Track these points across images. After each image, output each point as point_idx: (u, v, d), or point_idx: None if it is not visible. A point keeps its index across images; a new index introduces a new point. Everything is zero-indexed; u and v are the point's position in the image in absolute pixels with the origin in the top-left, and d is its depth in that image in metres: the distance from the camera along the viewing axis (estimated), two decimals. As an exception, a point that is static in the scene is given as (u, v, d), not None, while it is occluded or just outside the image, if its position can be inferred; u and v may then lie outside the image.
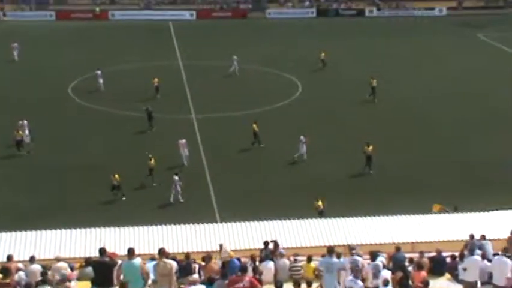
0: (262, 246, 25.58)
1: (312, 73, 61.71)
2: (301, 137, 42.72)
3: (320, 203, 35.45)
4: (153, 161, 39.34)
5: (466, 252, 21.43)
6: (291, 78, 60.05)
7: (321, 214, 34.78)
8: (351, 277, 18.51)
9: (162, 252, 18.95)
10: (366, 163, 40.86)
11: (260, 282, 18.46)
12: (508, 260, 19.57)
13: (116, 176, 37.86)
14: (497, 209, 31.27)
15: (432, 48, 71.61)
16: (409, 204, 34.44)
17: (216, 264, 22.33)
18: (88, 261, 22.31)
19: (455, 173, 41.23)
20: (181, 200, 37.51)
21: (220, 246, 25.36)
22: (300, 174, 40.90)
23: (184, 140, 42.53)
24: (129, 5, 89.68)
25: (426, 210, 32.65)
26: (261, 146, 44.82)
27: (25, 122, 44.03)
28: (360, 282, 18.31)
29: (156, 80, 53.80)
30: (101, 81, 55.62)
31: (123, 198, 37.79)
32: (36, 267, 22.09)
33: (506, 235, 23.82)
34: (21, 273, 21.34)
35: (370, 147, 40.60)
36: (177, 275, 20.23)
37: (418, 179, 40.27)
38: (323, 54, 63.19)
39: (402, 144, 44.88)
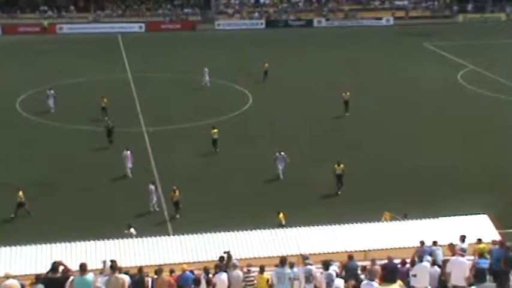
0: (215, 258, 25.54)
1: (261, 84, 61.92)
2: (277, 154, 41.48)
3: (282, 215, 35.43)
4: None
5: (416, 260, 21.73)
6: (242, 90, 60.21)
7: (282, 226, 34.68)
8: (366, 280, 18.65)
9: (114, 267, 18.78)
10: (337, 182, 39.84)
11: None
12: (465, 260, 19.94)
13: (20, 193, 36.88)
14: (446, 215, 31.70)
15: (379, 57, 72.68)
16: (360, 213, 34.74)
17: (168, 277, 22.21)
18: (39, 278, 21.97)
19: (405, 181, 41.68)
20: (157, 209, 37.46)
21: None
22: (253, 184, 40.89)
23: (128, 152, 42.36)
24: (77, 18, 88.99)
25: (377, 218, 32.96)
26: (216, 151, 45.41)
27: None
28: (375, 284, 18.48)
29: (105, 100, 51.79)
30: (51, 102, 53.16)
31: (31, 213, 36.71)
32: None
33: (456, 241, 24.16)
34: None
35: (341, 166, 39.60)
36: (130, 289, 20.06)
37: (368, 187, 40.60)
38: (266, 65, 63.33)
39: (351, 153, 45.22)
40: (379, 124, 51.50)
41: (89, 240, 29.81)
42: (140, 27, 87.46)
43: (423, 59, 73.10)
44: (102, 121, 49.47)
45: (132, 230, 33.80)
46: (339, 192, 39.75)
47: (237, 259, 25.41)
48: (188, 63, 68.61)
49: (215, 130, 45.91)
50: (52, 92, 53.51)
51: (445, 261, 22.00)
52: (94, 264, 26.30)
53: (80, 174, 42.19)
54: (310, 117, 52.66)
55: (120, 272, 19.18)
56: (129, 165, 41.97)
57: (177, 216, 36.74)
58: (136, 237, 32.88)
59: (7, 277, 21.99)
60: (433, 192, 39.71)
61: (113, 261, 19.35)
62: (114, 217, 36.52)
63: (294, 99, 57.34)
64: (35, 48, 76.21)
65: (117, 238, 29.85)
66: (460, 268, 20.06)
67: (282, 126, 50.81)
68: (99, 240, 29.68)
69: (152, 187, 37.65)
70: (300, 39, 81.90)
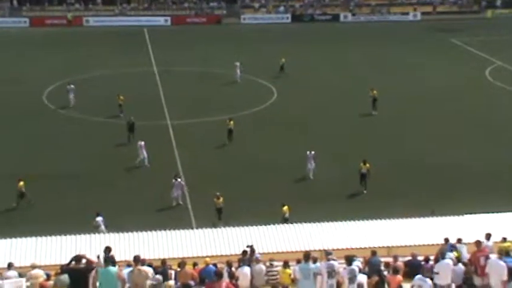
0: (238, 252, 25.60)
1: (286, 79, 61.78)
2: (308, 152, 41.09)
3: (286, 208, 35.50)
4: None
5: (439, 257, 21.61)
6: (266, 84, 60.16)
7: (286, 221, 34.59)
8: (419, 275, 18.62)
9: (137, 259, 18.90)
10: (361, 181, 39.52)
11: (236, 287, 18.46)
12: (503, 263, 19.75)
13: (21, 183, 37.14)
14: (472, 213, 31.49)
15: (406, 53, 72.21)
16: (384, 209, 34.63)
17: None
18: (64, 269, 22.16)
19: (431, 178, 41.37)
20: (180, 203, 37.45)
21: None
22: (277, 180, 40.84)
23: (143, 142, 42.74)
24: (103, 11, 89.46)
25: (402, 214, 32.76)
26: (227, 143, 45.70)
27: None
28: (428, 281, 18.46)
29: (121, 97, 51.29)
30: (71, 96, 53.18)
31: (32, 202, 37.08)
32: (13, 274, 22.00)
33: (482, 238, 23.98)
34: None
35: (367, 165, 39.17)
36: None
37: (394, 184, 40.38)
38: (283, 60, 62.95)
39: (377, 150, 45.03)
40: (406, 121, 51.03)
41: (112, 233, 30.09)
42: (166, 20, 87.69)
43: (450, 55, 72.48)
44: (120, 118, 49.53)
45: (99, 218, 33.91)
46: (365, 191, 39.43)
47: (260, 253, 25.45)
48: (213, 57, 68.64)
49: (231, 122, 46.27)
50: (72, 86, 53.55)
51: (471, 259, 21.86)
52: (117, 256, 26.46)
53: (103, 167, 42.44)
54: (336, 113, 52.34)
55: (143, 264, 19.30)
56: (144, 155, 42.35)
57: (220, 224, 34.35)
58: (106, 227, 33.47)
59: (33, 267, 22.30)
60: (458, 189, 39.38)
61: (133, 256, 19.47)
62: (137, 209, 36.69)
63: (319, 95, 57.09)
64: (62, 40, 76.75)
65: (141, 231, 30.03)
66: (499, 271, 19.86)
67: (306, 122, 50.58)
68: (122, 232, 29.92)
69: (176, 181, 37.60)
70: (326, 34, 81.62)
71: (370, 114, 52.20)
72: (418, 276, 18.70)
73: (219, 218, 35.65)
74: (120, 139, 46.10)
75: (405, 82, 61.22)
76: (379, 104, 52.27)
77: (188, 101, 55.20)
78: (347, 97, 56.27)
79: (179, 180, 37.65)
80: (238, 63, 60.88)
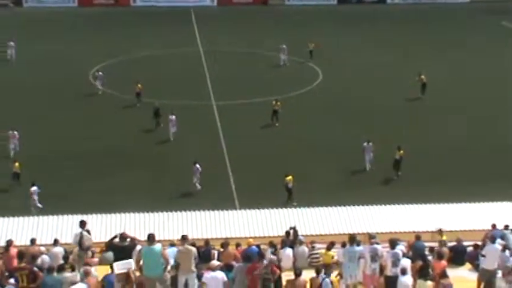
0: (281, 234, 25.68)
1: (332, 61, 61.33)
2: (365, 144, 40.08)
3: (289, 178, 35.45)
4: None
5: (487, 241, 21.35)
6: (312, 66, 59.87)
7: (289, 191, 35.21)
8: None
9: (185, 239, 19.05)
10: (394, 167, 39.01)
11: (279, 268, 18.51)
12: None
13: (17, 164, 37.25)
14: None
15: (455, 36, 71.03)
16: (429, 193, 34.34)
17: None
18: (109, 246, 22.46)
19: (478, 163, 40.79)
20: (199, 186, 37.07)
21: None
22: (319, 162, 40.70)
23: (174, 116, 43.03)
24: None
25: (447, 199, 32.43)
26: (276, 124, 45.58)
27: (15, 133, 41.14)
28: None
29: (139, 85, 50.00)
30: (100, 83, 52.55)
31: (22, 186, 36.67)
32: (59, 250, 22.36)
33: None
34: (45, 257, 21.58)
35: (401, 152, 38.75)
36: (197, 261, 20.32)
37: (440, 169, 39.95)
38: (312, 45, 62.05)
39: (424, 133, 44.59)
40: (454, 106, 50.21)
41: (158, 212, 30.39)
42: (212, 1, 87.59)
43: (501, 38, 70.91)
44: (137, 107, 49.12)
45: (34, 188, 34.30)
46: (398, 175, 38.87)
47: (303, 235, 25.51)
48: (259, 38, 68.43)
49: (278, 103, 46.30)
50: (100, 73, 53.28)
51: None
52: (162, 235, 26.78)
53: (143, 147, 42.77)
54: (382, 97, 51.69)
55: (188, 244, 19.43)
56: (173, 129, 42.85)
57: (294, 204, 34.71)
58: (38, 198, 33.97)
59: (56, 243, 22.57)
60: (506, 175, 38.74)
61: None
62: (181, 190, 36.91)
63: (366, 77, 56.56)
64: (109, 20, 77.18)
65: (185, 211, 30.29)
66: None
67: (350, 106, 50.13)
68: (167, 212, 30.21)
69: (197, 166, 37.00)
70: (373, 16, 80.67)
71: (417, 99, 51.57)
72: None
73: (288, 197, 35.59)
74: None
75: (453, 66, 60.24)
76: (428, 88, 51.51)
77: (233, 82, 55.20)
78: (395, 80, 55.54)
79: (197, 165, 37.01)
80: (284, 46, 60.62)
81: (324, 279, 18.47)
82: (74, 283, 17.47)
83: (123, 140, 43.70)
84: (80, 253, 21.10)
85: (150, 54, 62.62)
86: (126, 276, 17.66)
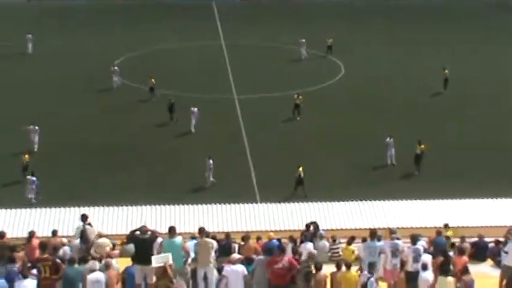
0: (301, 227, 25.67)
1: (355, 55, 61.11)
2: (387, 139, 39.66)
3: (301, 169, 35.56)
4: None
5: (510, 237, 21.16)
6: (334, 60, 59.71)
7: (299, 182, 35.24)
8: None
9: (202, 231, 19.08)
10: (415, 162, 38.69)
11: (299, 262, 18.47)
12: None
13: (26, 156, 37.22)
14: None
15: (480, 31, 70.46)
16: (451, 189, 34.15)
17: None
18: (129, 238, 22.57)
19: (502, 159, 40.45)
20: (213, 180, 36.69)
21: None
22: (339, 156, 40.56)
23: (196, 109, 43.19)
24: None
25: (469, 195, 32.26)
26: (297, 119, 45.64)
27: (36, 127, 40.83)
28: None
29: (152, 80, 49.78)
30: (115, 79, 51.97)
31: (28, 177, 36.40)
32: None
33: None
34: (66, 248, 21.73)
35: (422, 146, 38.48)
36: (217, 254, 20.36)
37: (459, 164, 39.69)
38: (331, 40, 61.63)
39: (445, 129, 44.32)
40: (474, 102, 49.79)
41: (178, 205, 30.51)
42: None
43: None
44: (150, 102, 48.96)
45: (32, 178, 34.51)
46: (417, 173, 38.60)
47: (323, 230, 25.48)
48: (281, 32, 68.31)
49: (299, 97, 46.30)
50: (116, 68, 52.96)
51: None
52: (183, 227, 26.91)
53: (162, 140, 42.74)
54: (405, 92, 51.39)
55: (207, 237, 19.46)
56: (194, 121, 43.02)
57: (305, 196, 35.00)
58: (35, 188, 34.33)
59: (99, 236, 22.72)
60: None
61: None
62: (202, 183, 36.95)
63: (389, 72, 56.21)
64: (129, 13, 77.22)
65: (207, 203, 30.39)
66: None
67: (372, 101, 49.83)
68: (187, 205, 30.33)
69: (210, 162, 36.71)
70: (393, 11, 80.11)
71: (439, 93, 51.27)
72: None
73: (297, 188, 35.64)
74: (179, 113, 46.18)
75: (476, 62, 59.74)
76: (450, 83, 51.17)
77: (255, 75, 55.21)
78: (417, 75, 55.15)
79: (210, 161, 36.71)
80: (303, 40, 60.53)
81: (369, 278, 18.00)
82: (93, 271, 17.67)
83: (144, 133, 43.74)
84: (81, 246, 21.20)
85: (171, 48, 62.71)
86: (162, 270, 17.75)
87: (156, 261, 17.84)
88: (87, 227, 21.78)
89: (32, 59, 59.57)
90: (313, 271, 18.28)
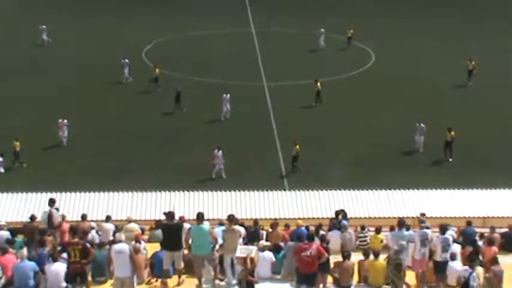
0: (330, 215, 25.63)
1: (384, 43, 60.66)
2: (418, 124, 39.43)
3: (298, 147, 36.32)
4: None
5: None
6: (364, 48, 59.35)
7: (295, 159, 36.34)
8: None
9: (232, 219, 19.14)
10: (445, 149, 38.50)
11: (327, 250, 18.46)
12: None
13: (17, 143, 36.88)
14: None
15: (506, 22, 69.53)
16: (480, 178, 33.84)
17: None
18: (158, 224, 22.73)
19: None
20: (224, 176, 36.23)
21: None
22: (369, 144, 40.35)
23: (228, 95, 43.15)
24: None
25: (499, 185, 31.92)
26: (322, 102, 45.89)
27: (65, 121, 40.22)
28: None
29: (157, 70, 49.06)
30: (126, 70, 50.84)
31: (24, 165, 36.84)
32: (110, 226, 22.73)
33: None
34: (94, 232, 21.97)
35: (452, 133, 38.15)
36: (245, 241, 20.44)
37: (490, 154, 39.32)
38: (351, 31, 60.96)
39: (478, 120, 43.89)
40: (500, 93, 49.17)
41: (207, 191, 30.58)
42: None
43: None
44: (152, 92, 48.36)
45: (219, 152, 35.29)
46: (450, 160, 38.39)
47: (351, 217, 25.41)
48: (313, 18, 67.88)
49: (317, 83, 46.20)
50: (127, 60, 51.60)
51: None
52: (211, 214, 27.02)
53: (192, 126, 42.83)
54: (432, 82, 50.94)
55: (236, 224, 19.54)
56: (228, 107, 43.35)
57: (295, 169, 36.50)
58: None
59: (129, 221, 22.93)
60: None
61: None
62: (231, 169, 36.92)
63: (418, 62, 55.76)
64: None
65: (234, 191, 30.42)
66: None
67: (401, 88, 49.66)
68: (216, 191, 30.38)
69: (219, 153, 36.29)
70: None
71: (465, 85, 50.77)
72: None
73: (292, 165, 36.58)
74: (204, 98, 46.07)
75: (505, 52, 59.01)
76: (477, 75, 50.60)
77: (286, 63, 55.03)
78: (445, 65, 54.64)
79: (220, 152, 36.24)
80: (322, 30, 60.23)
81: (471, 273, 17.47)
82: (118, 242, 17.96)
83: (168, 120, 43.89)
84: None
85: (201, 34, 62.70)
86: (244, 261, 17.93)
87: (241, 251, 18.08)
88: (54, 211, 22.42)
89: (50, 48, 59.13)
90: (341, 259, 18.31)
